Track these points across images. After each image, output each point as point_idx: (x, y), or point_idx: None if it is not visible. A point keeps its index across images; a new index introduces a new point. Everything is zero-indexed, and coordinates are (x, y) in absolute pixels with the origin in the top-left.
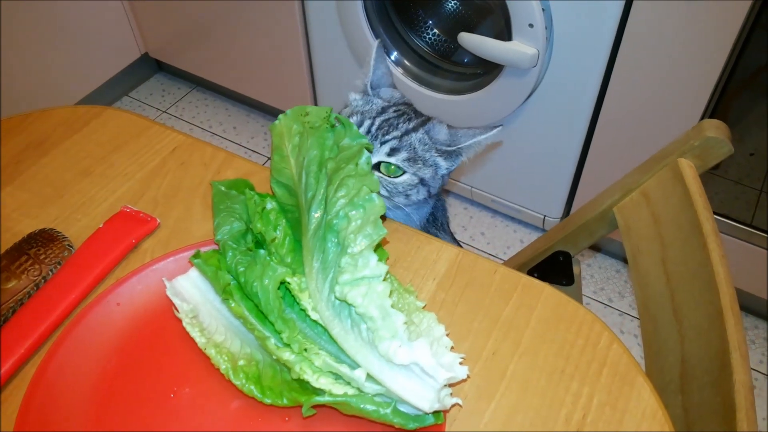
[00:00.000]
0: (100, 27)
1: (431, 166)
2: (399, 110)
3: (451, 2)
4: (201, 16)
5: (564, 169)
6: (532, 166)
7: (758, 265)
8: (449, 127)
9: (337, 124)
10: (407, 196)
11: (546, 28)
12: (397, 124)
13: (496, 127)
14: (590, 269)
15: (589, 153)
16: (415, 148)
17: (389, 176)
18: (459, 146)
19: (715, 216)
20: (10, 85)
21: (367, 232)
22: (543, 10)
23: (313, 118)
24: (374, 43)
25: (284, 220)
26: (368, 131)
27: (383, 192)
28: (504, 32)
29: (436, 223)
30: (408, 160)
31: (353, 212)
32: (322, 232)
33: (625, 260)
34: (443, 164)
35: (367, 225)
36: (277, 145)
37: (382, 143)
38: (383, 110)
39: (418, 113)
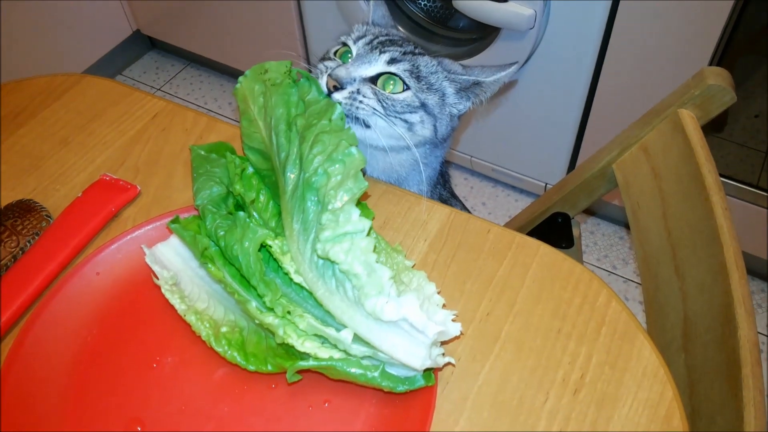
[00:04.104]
0: (89, 3)
1: (437, 91)
2: (404, 38)
3: None
4: None
5: (564, 134)
6: (532, 133)
7: (764, 227)
8: (463, 66)
9: (299, 79)
10: (406, 121)
11: None
12: (401, 44)
13: (512, 64)
14: (593, 236)
15: (589, 117)
16: (418, 66)
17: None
18: (477, 79)
19: (720, 178)
20: None
21: (348, 187)
22: None
23: (273, 74)
24: None
25: (265, 187)
26: (369, 42)
27: (379, 110)
28: None
29: (446, 186)
30: (410, 73)
31: (332, 168)
32: (300, 191)
33: (628, 226)
34: (451, 93)
35: (347, 179)
36: (243, 110)
37: (382, 52)
38: (387, 33)
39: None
